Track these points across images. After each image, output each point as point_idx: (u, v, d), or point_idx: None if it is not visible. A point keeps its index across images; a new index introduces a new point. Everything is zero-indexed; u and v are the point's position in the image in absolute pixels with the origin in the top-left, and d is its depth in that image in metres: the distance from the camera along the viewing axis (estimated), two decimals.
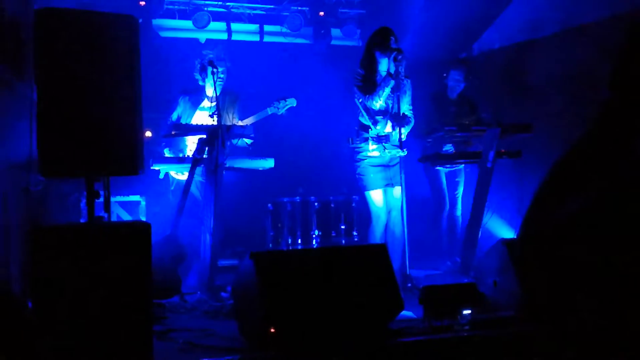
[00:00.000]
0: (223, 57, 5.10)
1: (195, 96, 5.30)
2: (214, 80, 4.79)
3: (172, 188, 5.24)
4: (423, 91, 5.02)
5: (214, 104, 4.67)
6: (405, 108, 4.73)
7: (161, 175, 5.30)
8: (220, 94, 4.86)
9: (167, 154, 5.19)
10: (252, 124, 5.11)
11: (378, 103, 4.60)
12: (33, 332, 2.63)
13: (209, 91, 5.20)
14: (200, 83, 5.27)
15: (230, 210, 5.02)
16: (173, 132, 4.63)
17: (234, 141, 4.77)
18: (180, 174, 5.19)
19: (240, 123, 5.15)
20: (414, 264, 4.58)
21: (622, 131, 1.05)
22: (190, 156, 4.77)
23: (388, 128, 4.66)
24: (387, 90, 4.58)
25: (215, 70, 4.78)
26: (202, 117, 5.18)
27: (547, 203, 1.09)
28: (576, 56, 5.45)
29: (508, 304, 3.41)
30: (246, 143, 5.02)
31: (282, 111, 5.25)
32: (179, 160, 4.94)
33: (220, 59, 5.04)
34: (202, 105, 5.28)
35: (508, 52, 6.50)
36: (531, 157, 5.25)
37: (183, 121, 5.17)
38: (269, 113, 5.26)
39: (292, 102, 5.28)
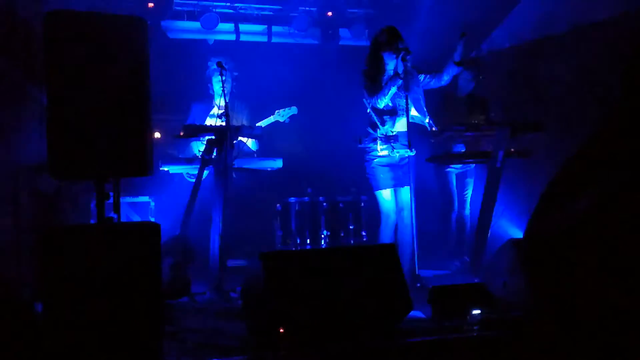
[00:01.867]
0: (229, 68, 5.16)
1: (207, 104, 5.45)
2: (222, 80, 4.82)
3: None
4: (432, 91, 5.02)
5: (222, 111, 4.70)
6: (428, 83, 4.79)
7: (176, 178, 5.37)
8: (229, 100, 4.92)
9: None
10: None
11: (383, 102, 4.60)
12: (43, 332, 2.65)
13: (218, 87, 5.24)
14: (211, 92, 5.39)
15: (239, 211, 5.04)
16: (182, 133, 4.65)
17: (240, 144, 4.84)
18: (192, 178, 5.23)
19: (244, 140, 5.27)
20: (423, 264, 4.57)
21: (633, 131, 1.05)
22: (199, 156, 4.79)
23: (398, 127, 4.65)
24: (394, 89, 4.57)
25: (223, 70, 4.80)
26: (212, 123, 5.26)
27: (555, 203, 1.09)
28: (587, 55, 5.41)
29: (517, 304, 3.39)
30: (252, 150, 5.08)
31: (284, 119, 5.38)
32: (188, 161, 4.97)
33: (228, 69, 5.11)
34: (212, 112, 5.37)
35: (518, 51, 6.47)
36: (541, 157, 5.22)
37: None
38: (272, 121, 5.40)
39: (293, 110, 5.44)
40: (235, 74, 5.34)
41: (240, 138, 5.09)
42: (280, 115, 5.40)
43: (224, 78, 4.95)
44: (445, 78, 4.83)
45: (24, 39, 3.58)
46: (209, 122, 5.36)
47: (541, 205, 1.09)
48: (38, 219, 3.60)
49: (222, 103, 4.67)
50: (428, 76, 4.83)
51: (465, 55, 4.91)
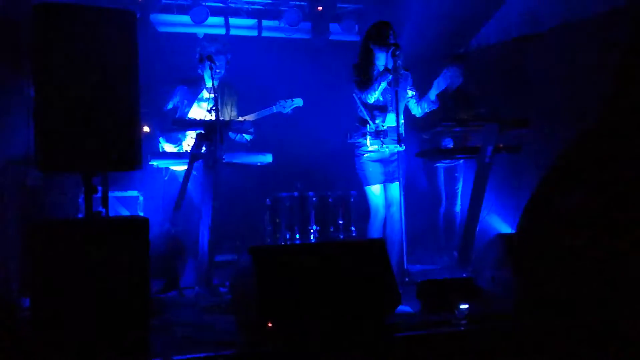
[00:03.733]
0: (223, 50, 5.07)
1: (194, 87, 5.21)
2: (212, 75, 4.79)
3: (167, 178, 5.23)
4: (420, 86, 5.02)
5: (212, 95, 4.65)
6: (409, 101, 4.77)
7: (166, 178, 5.27)
8: (219, 86, 4.84)
9: (162, 142, 5.16)
10: (250, 120, 5.11)
11: (373, 98, 4.60)
12: (30, 327, 2.64)
13: (209, 82, 5.15)
14: (200, 72, 5.18)
15: (228, 206, 5.02)
16: (173, 126, 4.61)
17: (232, 135, 4.76)
18: (176, 165, 5.15)
19: (241, 119, 5.13)
20: (412, 258, 4.59)
21: (625, 126, 1.05)
22: (188, 151, 4.76)
23: (387, 123, 4.65)
24: (383, 84, 4.58)
25: (213, 65, 4.77)
26: (201, 109, 5.15)
27: (546, 199, 1.10)
28: (574, 51, 5.44)
29: (505, 299, 3.42)
30: (246, 139, 5.01)
31: (287, 110, 5.23)
32: (177, 155, 4.93)
33: (219, 52, 5.02)
34: (201, 95, 5.22)
35: (506, 47, 6.50)
36: (530, 152, 5.25)
37: (180, 112, 5.11)
38: (274, 111, 5.23)
39: (298, 102, 5.27)
40: (229, 56, 5.19)
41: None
42: (282, 107, 5.26)
43: (218, 64, 4.88)
44: (422, 108, 4.80)
45: (10, 31, 3.54)
46: (197, 106, 5.24)
47: (532, 201, 1.10)
48: (25, 212, 3.57)
49: (211, 91, 4.62)
50: (415, 95, 4.83)
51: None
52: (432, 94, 4.74)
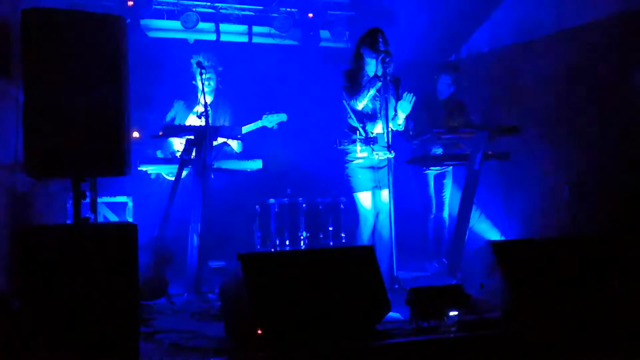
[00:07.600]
0: (213, 64, 5.16)
1: (190, 100, 5.37)
2: (201, 80, 4.80)
3: (153, 177, 5.29)
4: (411, 92, 5.03)
5: (202, 111, 4.68)
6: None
7: (153, 176, 5.31)
8: (212, 102, 4.90)
9: (159, 155, 5.19)
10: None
11: (361, 104, 4.61)
12: (19, 331, 2.61)
13: (201, 96, 5.21)
14: (194, 83, 5.30)
15: (218, 212, 5.02)
16: (160, 133, 4.62)
17: (223, 146, 4.82)
18: (170, 176, 5.18)
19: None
20: (401, 265, 4.59)
21: None
22: (178, 157, 4.76)
23: (377, 129, 4.67)
24: (372, 91, 4.59)
25: (202, 70, 4.79)
26: (194, 120, 5.20)
27: None
28: (566, 59, 5.48)
29: (494, 306, 3.43)
30: (235, 151, 5.06)
31: (272, 124, 5.38)
32: (167, 161, 4.93)
33: (210, 66, 5.11)
34: (195, 109, 5.31)
35: (497, 55, 6.54)
36: (519, 159, 5.28)
37: (176, 123, 5.24)
38: (260, 126, 5.37)
39: (282, 117, 5.44)
40: (220, 68, 5.29)
41: (224, 139, 5.07)
42: (269, 121, 5.38)
43: (205, 76, 4.93)
44: (394, 124, 4.73)
45: (0, 35, 3.52)
46: (191, 118, 5.29)
47: None
48: (13, 218, 3.55)
49: (203, 102, 4.66)
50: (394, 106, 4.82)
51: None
52: (401, 118, 4.65)
